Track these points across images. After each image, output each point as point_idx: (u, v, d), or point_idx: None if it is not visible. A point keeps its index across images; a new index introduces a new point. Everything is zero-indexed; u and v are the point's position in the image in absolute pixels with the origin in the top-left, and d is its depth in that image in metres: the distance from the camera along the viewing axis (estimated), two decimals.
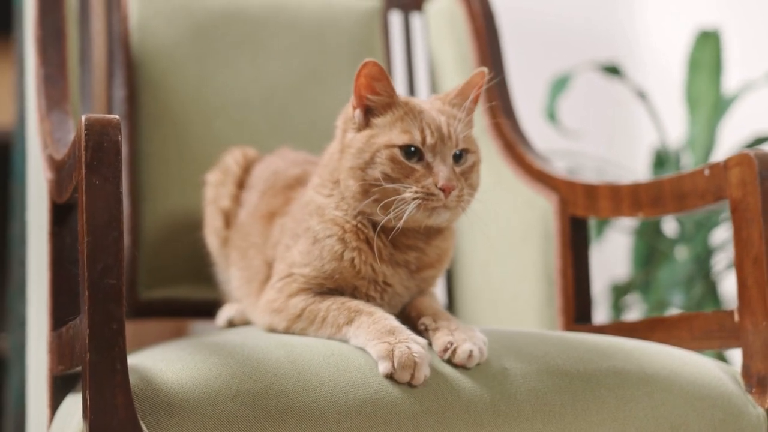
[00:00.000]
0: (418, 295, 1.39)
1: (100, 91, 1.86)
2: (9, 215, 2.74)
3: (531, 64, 2.98)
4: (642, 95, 2.73)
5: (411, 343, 1.22)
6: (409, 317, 1.35)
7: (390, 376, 1.20)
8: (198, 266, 1.73)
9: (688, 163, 2.71)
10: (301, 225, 1.40)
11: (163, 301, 1.82)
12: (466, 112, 1.36)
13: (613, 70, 2.75)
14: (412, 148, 1.30)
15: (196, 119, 1.86)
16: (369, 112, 1.35)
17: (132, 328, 2.48)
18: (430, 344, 1.28)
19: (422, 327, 1.30)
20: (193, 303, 1.82)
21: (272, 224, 1.49)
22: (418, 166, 1.30)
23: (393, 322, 1.26)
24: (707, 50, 2.73)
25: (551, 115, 2.69)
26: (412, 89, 2.05)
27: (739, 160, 1.41)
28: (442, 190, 1.28)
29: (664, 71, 3.11)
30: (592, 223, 2.86)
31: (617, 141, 3.23)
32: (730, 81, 2.85)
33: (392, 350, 1.20)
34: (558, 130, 2.73)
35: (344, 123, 1.38)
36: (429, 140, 1.30)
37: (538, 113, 2.78)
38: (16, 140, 2.68)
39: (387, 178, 1.30)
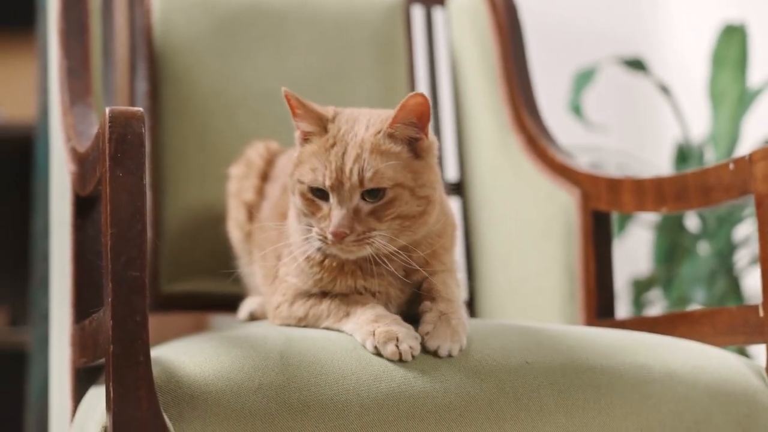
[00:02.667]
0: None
1: (122, 85, 1.86)
2: (32, 209, 2.75)
3: (555, 59, 2.97)
4: (665, 90, 2.72)
5: (393, 325, 1.23)
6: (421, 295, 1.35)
7: (378, 354, 1.22)
8: (220, 260, 1.73)
9: (711, 158, 2.70)
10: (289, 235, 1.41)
11: (185, 294, 1.82)
12: (406, 140, 1.30)
13: (637, 65, 2.74)
14: (318, 187, 1.28)
15: (218, 113, 1.86)
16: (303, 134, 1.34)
17: (153, 322, 2.50)
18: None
19: (421, 311, 1.30)
20: (215, 296, 1.83)
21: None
22: (324, 205, 1.28)
23: (380, 311, 1.28)
24: (731, 45, 2.71)
25: (576, 108, 2.68)
26: (433, 84, 2.05)
27: (765, 153, 1.40)
28: (333, 236, 1.26)
29: (688, 66, 3.10)
30: (615, 218, 2.85)
31: (640, 136, 3.22)
32: (754, 76, 2.83)
33: (374, 331, 1.23)
34: (582, 123, 2.72)
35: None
36: (327, 182, 1.27)
37: (560, 109, 2.77)
38: (39, 134, 2.69)
39: (301, 210, 1.31)
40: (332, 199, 1.27)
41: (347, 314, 1.29)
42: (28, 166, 2.86)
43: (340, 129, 1.30)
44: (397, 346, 1.21)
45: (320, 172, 1.27)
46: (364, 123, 1.31)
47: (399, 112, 1.28)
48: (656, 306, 2.82)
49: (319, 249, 1.31)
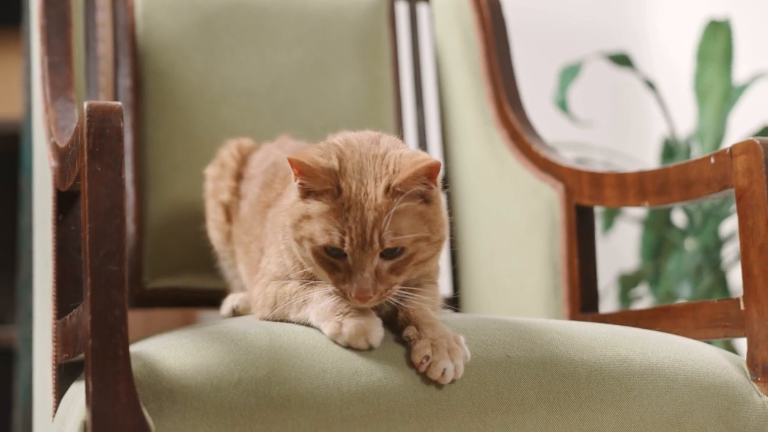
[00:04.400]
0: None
1: (106, 81, 1.86)
2: (18, 206, 2.75)
3: (541, 55, 2.98)
4: (651, 85, 2.72)
5: (359, 317, 1.23)
6: (398, 320, 1.31)
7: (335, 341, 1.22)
8: (204, 256, 1.73)
9: (698, 154, 2.71)
10: (274, 227, 1.40)
11: (169, 290, 1.82)
12: (416, 195, 1.26)
13: (622, 60, 2.75)
14: (334, 247, 1.24)
15: (202, 109, 1.86)
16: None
17: (141, 318, 2.51)
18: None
19: (406, 338, 1.25)
20: (199, 292, 1.83)
21: (268, 215, 1.49)
22: (341, 264, 1.24)
23: (336, 299, 1.26)
24: (716, 40, 2.72)
25: (561, 104, 2.68)
26: (418, 79, 2.05)
27: (745, 147, 1.40)
28: (357, 299, 1.23)
29: (674, 61, 3.10)
30: (602, 214, 2.86)
31: (626, 132, 3.22)
32: (739, 71, 2.84)
33: (341, 323, 1.23)
34: (567, 118, 2.73)
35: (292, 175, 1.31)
36: (347, 247, 1.23)
37: (547, 106, 2.77)
38: (25, 131, 2.69)
39: (312, 264, 1.27)
40: (351, 260, 1.23)
41: (305, 301, 1.29)
42: (15, 164, 2.86)
43: (351, 188, 1.24)
44: (366, 341, 1.21)
45: (336, 236, 1.23)
46: (372, 174, 1.25)
47: (410, 176, 1.23)
48: (643, 301, 2.83)
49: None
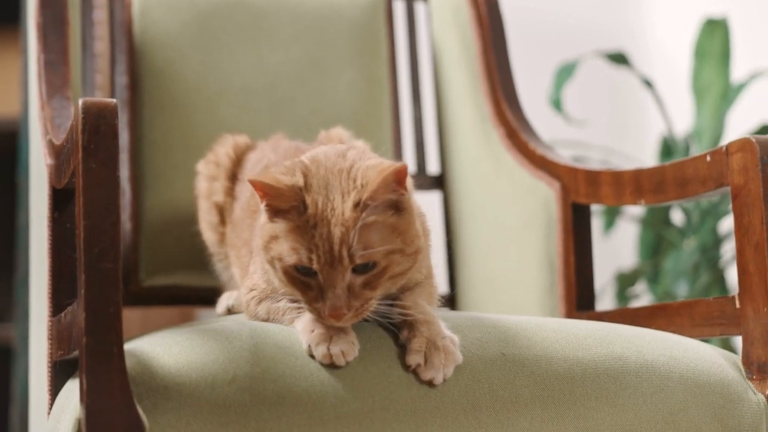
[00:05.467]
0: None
1: (103, 79, 1.86)
2: (17, 205, 2.75)
3: (539, 54, 2.98)
4: (648, 84, 2.72)
5: (331, 328, 1.21)
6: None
7: (312, 355, 1.20)
8: (200, 254, 1.73)
9: (696, 152, 2.70)
10: (257, 236, 1.36)
11: (165, 288, 1.82)
12: (386, 204, 1.23)
13: (619, 59, 2.75)
14: (304, 266, 1.21)
15: (199, 106, 1.86)
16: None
17: (138, 316, 2.50)
18: None
19: (402, 339, 1.24)
20: (195, 290, 1.83)
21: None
22: (312, 282, 1.21)
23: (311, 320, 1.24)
24: (714, 39, 2.72)
25: (556, 103, 2.68)
26: (415, 77, 2.05)
27: (741, 145, 1.40)
28: (331, 317, 1.20)
29: (671, 60, 3.10)
30: (603, 213, 2.86)
31: (624, 131, 3.22)
32: (737, 70, 2.84)
33: (312, 330, 1.21)
34: (563, 117, 2.73)
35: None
36: (315, 265, 1.20)
37: (544, 104, 2.77)
38: (23, 130, 2.69)
39: (285, 285, 1.25)
40: (321, 278, 1.21)
41: (299, 314, 1.27)
42: (13, 162, 2.86)
43: (317, 203, 1.21)
44: (328, 349, 1.19)
45: (304, 254, 1.20)
46: (338, 188, 1.22)
47: (379, 186, 1.21)
48: (642, 300, 2.83)
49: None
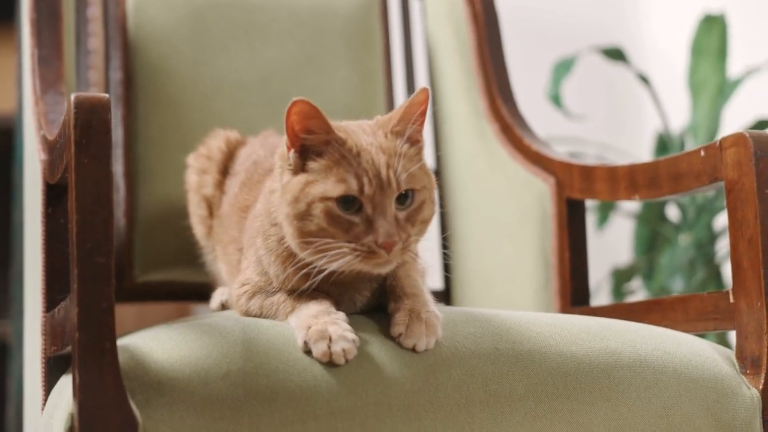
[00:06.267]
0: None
1: (97, 75, 1.86)
2: (12, 201, 2.75)
3: (537, 51, 2.98)
4: (645, 80, 2.72)
5: (330, 324, 1.19)
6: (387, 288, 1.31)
7: (308, 351, 1.19)
8: (194, 249, 1.73)
9: (692, 148, 2.70)
10: (251, 232, 1.37)
11: (160, 283, 1.82)
12: (411, 140, 1.26)
13: (616, 54, 2.75)
14: (350, 198, 1.21)
15: (194, 102, 1.86)
16: (304, 153, 1.24)
17: (134, 311, 2.50)
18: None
19: (390, 310, 1.27)
20: (190, 286, 1.82)
21: (247, 217, 1.47)
22: (357, 219, 1.21)
23: (322, 306, 1.24)
24: (711, 35, 2.72)
25: (555, 98, 2.68)
26: (410, 73, 2.05)
27: (735, 140, 1.40)
28: (383, 247, 1.20)
29: (668, 56, 3.10)
30: (597, 208, 2.86)
31: (621, 127, 3.22)
32: (734, 66, 2.84)
33: (309, 327, 1.19)
34: (561, 112, 2.73)
35: (281, 162, 1.28)
36: (367, 190, 1.20)
37: (541, 100, 2.77)
38: (18, 126, 2.69)
39: (324, 232, 1.21)
40: (369, 209, 1.20)
41: (293, 309, 1.27)
42: (8, 159, 2.86)
43: (352, 137, 1.23)
44: (329, 347, 1.18)
45: (353, 182, 1.20)
46: (360, 130, 1.25)
47: (408, 109, 1.24)
48: (637, 296, 2.83)
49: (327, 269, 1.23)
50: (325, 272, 1.24)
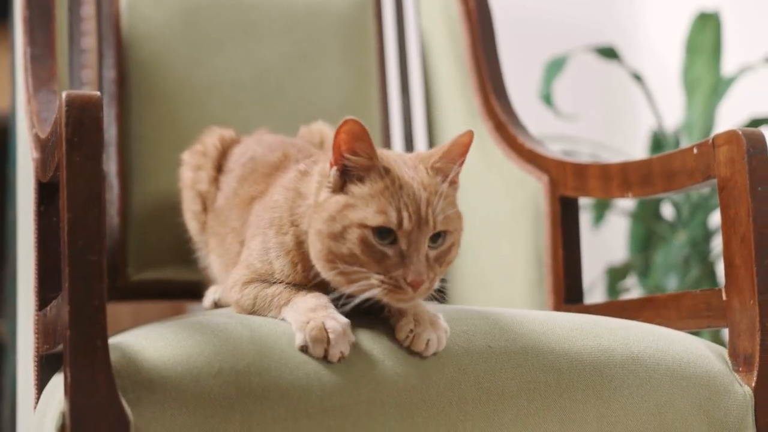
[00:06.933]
0: None
1: (92, 74, 1.86)
2: (7, 200, 2.75)
3: (528, 49, 2.98)
4: (638, 78, 2.72)
5: (328, 320, 1.19)
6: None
7: (305, 350, 1.19)
8: (188, 248, 1.73)
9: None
10: (261, 222, 1.37)
11: (154, 282, 1.82)
12: (451, 180, 1.26)
13: (609, 53, 2.75)
14: (387, 230, 1.20)
15: (187, 100, 1.85)
16: (346, 174, 1.23)
17: (129, 310, 2.49)
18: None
19: (387, 313, 1.26)
20: (184, 284, 1.82)
21: (251, 209, 1.48)
22: (390, 251, 1.20)
23: (320, 300, 1.24)
24: (705, 33, 2.72)
25: (546, 97, 2.68)
26: (404, 70, 2.05)
27: (727, 138, 1.40)
28: (411, 285, 1.19)
29: (662, 54, 3.10)
30: (593, 207, 2.86)
31: (614, 126, 3.22)
32: (728, 64, 2.84)
33: (307, 323, 1.19)
34: (553, 112, 2.73)
35: (320, 177, 1.27)
36: (406, 225, 1.19)
37: (535, 99, 2.77)
38: (12, 124, 2.68)
39: (354, 257, 1.20)
40: (404, 244, 1.20)
41: (288, 301, 1.27)
42: (3, 157, 2.85)
43: (396, 168, 1.22)
44: (326, 350, 1.18)
45: (393, 214, 1.19)
46: (404, 162, 1.25)
47: (451, 148, 1.24)
48: (632, 294, 2.83)
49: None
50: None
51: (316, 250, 1.24)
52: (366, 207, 1.21)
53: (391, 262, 1.20)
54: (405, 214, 1.20)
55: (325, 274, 1.24)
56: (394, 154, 1.28)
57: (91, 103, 1.14)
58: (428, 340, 1.21)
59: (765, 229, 1.36)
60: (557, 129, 2.89)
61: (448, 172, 1.26)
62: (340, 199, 1.23)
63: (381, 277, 1.19)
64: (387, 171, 1.22)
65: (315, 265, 1.26)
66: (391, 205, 1.20)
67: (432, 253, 1.22)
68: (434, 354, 1.22)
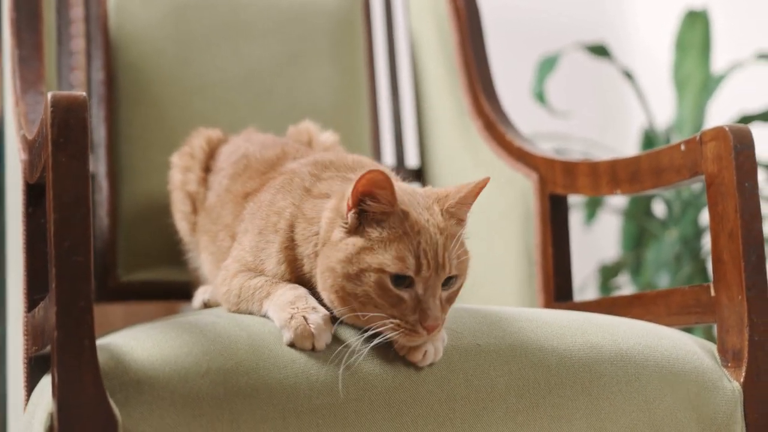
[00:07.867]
0: None
1: (80, 76, 1.85)
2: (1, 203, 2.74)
3: (522, 48, 2.98)
4: (629, 75, 2.73)
5: (309, 312, 1.20)
6: None
7: (293, 346, 1.19)
8: (178, 249, 1.73)
9: None
10: (256, 221, 1.37)
11: (144, 283, 1.81)
12: (460, 221, 1.25)
13: (600, 51, 2.75)
14: (405, 276, 1.19)
15: (176, 101, 1.85)
16: (363, 216, 1.21)
17: (121, 311, 2.49)
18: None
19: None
20: (174, 285, 1.82)
21: (245, 206, 1.48)
22: (406, 296, 1.19)
23: (298, 291, 1.25)
24: (695, 30, 2.73)
25: (539, 95, 2.69)
26: (393, 69, 2.05)
27: (715, 134, 1.40)
28: (426, 329, 1.18)
29: (652, 52, 3.11)
30: (585, 205, 2.86)
31: (606, 123, 3.23)
32: (718, 61, 2.85)
33: (290, 319, 1.20)
34: (545, 109, 2.73)
35: (333, 214, 1.25)
36: (424, 272, 1.19)
37: (526, 97, 2.78)
38: (0, 127, 2.68)
39: (369, 299, 1.19)
40: (421, 289, 1.19)
41: (268, 294, 1.27)
42: None
43: (408, 214, 1.20)
44: (313, 345, 1.19)
45: (412, 262, 1.18)
46: (415, 201, 1.23)
47: (468, 194, 1.24)
48: (625, 291, 2.84)
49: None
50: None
51: (326, 284, 1.23)
52: (384, 252, 1.19)
53: (407, 306, 1.19)
54: (424, 261, 1.19)
55: (337, 310, 1.23)
56: (407, 192, 1.25)
57: (76, 104, 1.14)
58: (426, 352, 1.21)
59: (752, 225, 1.36)
60: (549, 127, 2.90)
61: (461, 215, 1.26)
62: (357, 241, 1.21)
63: (397, 321, 1.19)
64: (406, 216, 1.21)
65: (321, 295, 1.25)
66: (409, 252, 1.19)
67: (444, 294, 1.22)
68: (429, 365, 1.22)
